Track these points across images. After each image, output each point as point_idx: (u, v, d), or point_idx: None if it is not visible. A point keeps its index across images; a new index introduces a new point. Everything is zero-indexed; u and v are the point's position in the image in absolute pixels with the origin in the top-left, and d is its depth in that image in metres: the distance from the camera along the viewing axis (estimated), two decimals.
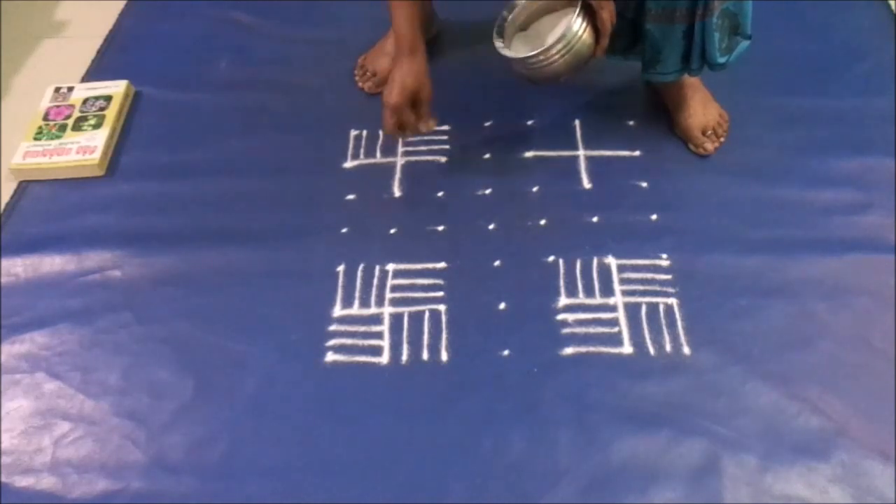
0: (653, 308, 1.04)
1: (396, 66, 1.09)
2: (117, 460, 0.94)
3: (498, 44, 1.11)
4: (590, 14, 1.06)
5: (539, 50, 1.06)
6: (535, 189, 1.20)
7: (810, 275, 1.06)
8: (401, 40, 1.09)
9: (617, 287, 1.07)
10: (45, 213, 1.21)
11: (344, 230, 1.16)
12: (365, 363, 1.01)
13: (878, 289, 1.04)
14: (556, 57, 1.06)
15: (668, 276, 1.07)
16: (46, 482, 0.92)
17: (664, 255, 1.10)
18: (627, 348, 1.01)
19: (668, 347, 1.00)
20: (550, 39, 1.06)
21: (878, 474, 0.89)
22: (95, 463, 0.94)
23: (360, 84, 1.36)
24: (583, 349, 1.01)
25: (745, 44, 1.15)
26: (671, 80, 1.18)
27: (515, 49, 1.13)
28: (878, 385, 0.96)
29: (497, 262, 1.11)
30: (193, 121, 1.33)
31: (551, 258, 1.10)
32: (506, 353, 1.01)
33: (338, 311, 1.06)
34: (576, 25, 1.05)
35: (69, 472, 0.93)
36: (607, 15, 1.05)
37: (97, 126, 1.30)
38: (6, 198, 1.23)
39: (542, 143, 1.26)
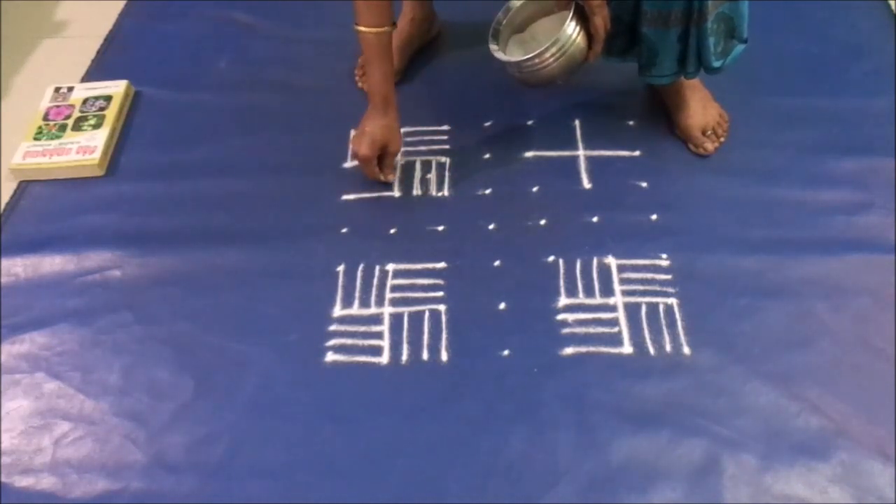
0: (653, 308, 1.04)
1: (369, 120, 1.14)
2: (117, 460, 0.94)
3: (493, 47, 1.12)
4: (584, 18, 1.06)
5: (533, 54, 1.07)
6: (535, 189, 1.20)
7: (810, 275, 1.06)
8: (375, 96, 1.13)
9: (617, 287, 1.07)
10: (45, 213, 1.21)
11: (344, 230, 1.16)
12: (365, 363, 1.01)
13: (878, 289, 1.04)
14: (551, 60, 1.07)
15: (668, 276, 1.07)
16: (46, 482, 0.93)
17: (664, 255, 1.10)
18: (627, 348, 1.01)
19: (668, 347, 1.00)
20: (545, 43, 1.06)
21: (878, 474, 0.88)
22: (95, 463, 0.94)
23: (360, 84, 1.36)
24: (583, 349, 1.01)
25: (740, 47, 1.15)
26: (667, 82, 1.19)
27: (510, 52, 1.14)
28: (878, 385, 0.96)
29: (497, 262, 1.11)
30: (193, 121, 1.33)
31: (551, 258, 1.10)
32: (506, 353, 1.01)
33: (338, 311, 1.06)
34: (570, 29, 1.05)
35: (69, 472, 0.93)
36: (601, 20, 1.05)
37: (97, 126, 1.30)
38: (6, 198, 1.23)
39: (542, 143, 1.26)
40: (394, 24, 1.10)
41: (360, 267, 1.11)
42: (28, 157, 1.26)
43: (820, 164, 1.19)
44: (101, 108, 1.33)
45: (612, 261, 1.09)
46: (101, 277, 1.12)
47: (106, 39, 1.50)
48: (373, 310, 1.06)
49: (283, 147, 1.28)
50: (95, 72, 1.43)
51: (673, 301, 1.05)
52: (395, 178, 1.21)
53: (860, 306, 1.03)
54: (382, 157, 1.17)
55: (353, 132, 1.27)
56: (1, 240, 1.17)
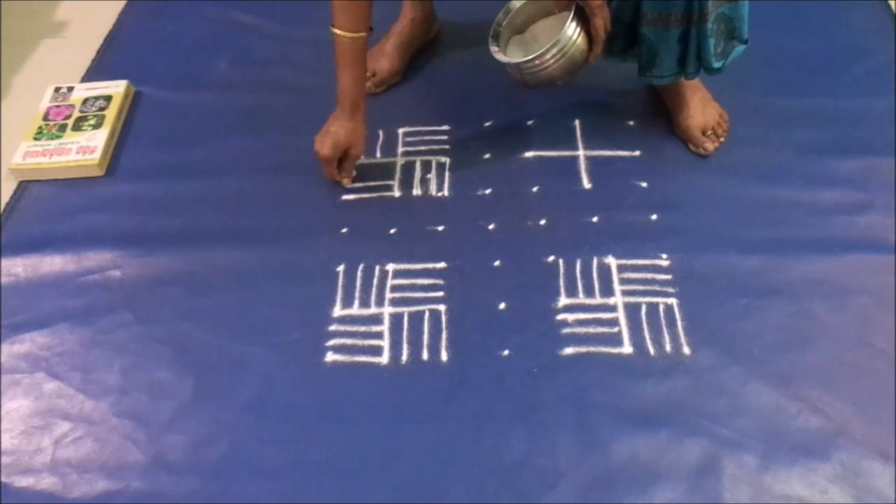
0: (653, 308, 1.04)
1: (335, 121, 1.14)
2: (117, 460, 0.94)
3: (493, 48, 1.12)
4: (584, 19, 1.06)
5: (534, 55, 1.07)
6: (535, 189, 1.20)
7: (810, 275, 1.06)
8: (344, 100, 1.12)
9: (617, 287, 1.07)
10: (45, 213, 1.21)
11: (344, 230, 1.16)
12: (365, 363, 1.01)
13: (878, 289, 1.04)
14: (551, 62, 1.07)
15: (668, 276, 1.07)
16: (46, 482, 0.93)
17: (664, 255, 1.10)
18: (627, 348, 1.01)
19: (668, 347, 1.00)
20: (545, 44, 1.06)
21: (878, 474, 0.89)
22: (95, 463, 0.94)
23: None
24: (583, 349, 1.01)
25: (740, 48, 1.15)
26: (667, 83, 1.19)
27: (511, 53, 1.14)
28: (878, 385, 0.96)
29: (497, 262, 1.11)
30: (193, 121, 1.33)
31: (551, 258, 1.10)
32: (506, 353, 1.01)
33: (338, 311, 1.06)
34: (570, 30, 1.05)
35: (69, 472, 0.93)
36: (601, 22, 1.05)
37: (97, 126, 1.30)
38: (6, 198, 1.23)
39: (542, 143, 1.26)
40: (370, 30, 1.09)
41: (360, 267, 1.11)
42: (28, 157, 1.26)
43: (820, 164, 1.19)
44: (101, 108, 1.33)
45: (612, 261, 1.09)
46: (101, 277, 1.12)
47: (106, 39, 1.50)
48: (373, 310, 1.06)
49: (283, 147, 1.28)
50: (95, 72, 1.43)
51: (673, 301, 1.05)
52: (351, 183, 1.20)
53: (860, 306, 1.03)
54: (343, 159, 1.17)
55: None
56: (1, 240, 1.17)
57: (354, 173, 1.20)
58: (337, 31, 1.07)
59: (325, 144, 1.14)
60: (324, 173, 1.18)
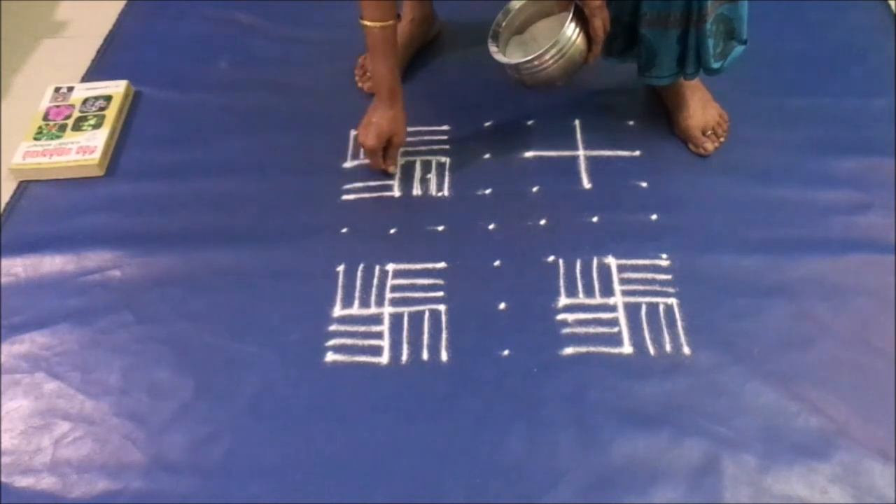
0: (653, 308, 1.04)
1: (375, 111, 1.16)
2: (117, 460, 0.94)
3: (492, 49, 1.12)
4: (583, 20, 1.06)
5: (533, 56, 1.07)
6: (535, 189, 1.20)
7: (810, 275, 1.06)
8: (381, 88, 1.14)
9: (617, 287, 1.07)
10: (45, 213, 1.21)
11: (344, 230, 1.16)
12: (365, 363, 1.01)
13: (878, 289, 1.04)
14: (550, 62, 1.07)
15: (668, 276, 1.07)
16: (46, 482, 0.93)
17: (664, 255, 1.10)
18: (627, 348, 1.01)
19: (668, 347, 1.00)
20: (545, 45, 1.06)
21: (878, 474, 0.89)
22: (95, 463, 0.94)
23: (360, 84, 1.36)
24: (583, 349, 1.01)
25: (739, 48, 1.15)
26: (667, 83, 1.19)
27: (510, 54, 1.14)
28: (878, 385, 0.96)
29: (497, 262, 1.11)
30: (193, 121, 1.33)
31: (551, 258, 1.10)
32: (506, 353, 1.01)
33: (338, 311, 1.07)
34: (569, 31, 1.06)
35: (69, 472, 0.93)
36: (600, 22, 1.06)
37: (97, 126, 1.30)
38: (6, 198, 1.23)
39: (542, 143, 1.26)
40: (398, 17, 1.11)
41: (360, 267, 1.11)
42: (28, 157, 1.26)
43: (820, 164, 1.19)
44: (101, 108, 1.33)
45: (612, 261, 1.09)
46: (101, 277, 1.12)
47: (106, 39, 1.50)
48: (373, 310, 1.06)
49: (283, 147, 1.28)
50: (95, 72, 1.43)
51: (673, 301, 1.05)
52: (397, 170, 1.22)
53: (860, 306, 1.03)
54: (386, 147, 1.18)
55: (353, 132, 1.28)
56: (1, 240, 1.17)
57: (400, 160, 1.22)
58: (366, 23, 1.09)
59: (368, 135, 1.15)
60: (369, 163, 1.20)
